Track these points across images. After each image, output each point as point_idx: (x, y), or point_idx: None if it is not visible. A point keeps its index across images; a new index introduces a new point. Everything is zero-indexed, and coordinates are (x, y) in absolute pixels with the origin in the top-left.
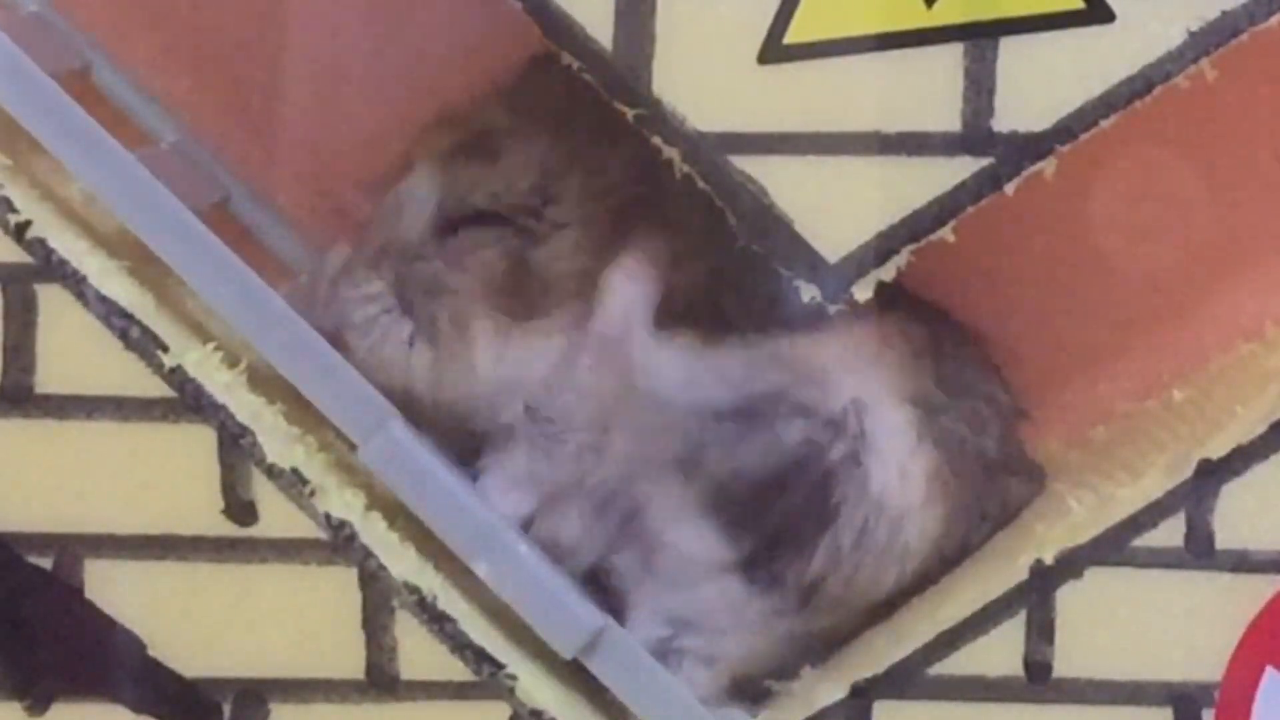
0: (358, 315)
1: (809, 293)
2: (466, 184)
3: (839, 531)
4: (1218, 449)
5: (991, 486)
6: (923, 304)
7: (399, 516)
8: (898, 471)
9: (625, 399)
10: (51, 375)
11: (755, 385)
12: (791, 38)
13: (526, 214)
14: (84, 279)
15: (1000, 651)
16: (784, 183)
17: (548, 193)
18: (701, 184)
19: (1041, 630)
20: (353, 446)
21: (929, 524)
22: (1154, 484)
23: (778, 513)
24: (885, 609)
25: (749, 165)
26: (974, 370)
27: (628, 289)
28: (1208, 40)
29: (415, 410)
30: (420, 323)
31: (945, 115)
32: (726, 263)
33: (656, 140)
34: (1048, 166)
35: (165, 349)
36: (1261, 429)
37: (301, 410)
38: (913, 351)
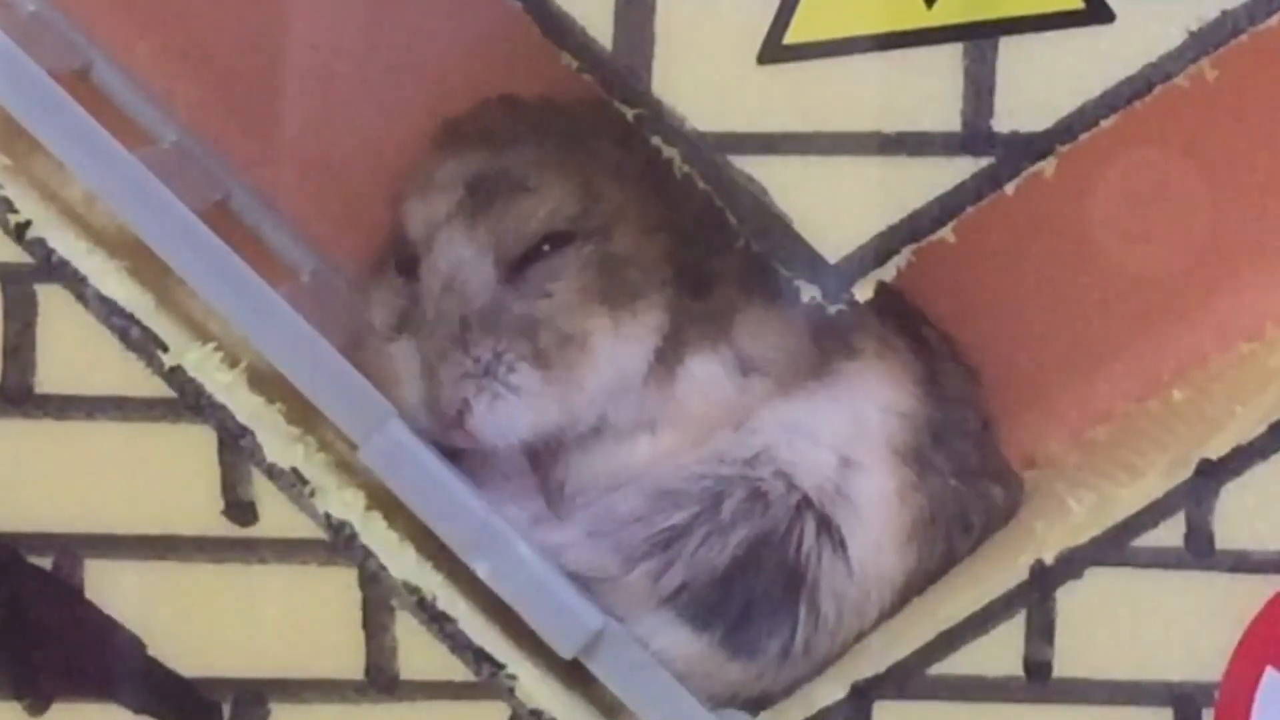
0: (476, 396)
1: (809, 293)
2: (514, 222)
3: (818, 599)
4: (1218, 449)
5: (974, 496)
6: (902, 311)
7: (399, 516)
8: (875, 546)
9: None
10: (51, 375)
11: (664, 516)
12: (791, 38)
13: (586, 217)
14: (84, 279)
15: (1000, 651)
16: (784, 183)
17: (594, 191)
18: (701, 184)
19: (1041, 630)
20: (353, 446)
21: (904, 563)
22: (1154, 484)
23: (746, 593)
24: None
25: (749, 165)
26: (953, 377)
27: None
28: (1208, 40)
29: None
30: (534, 365)
31: (945, 115)
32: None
33: (656, 140)
34: (1048, 166)
35: (165, 349)
36: (1261, 429)
37: (301, 410)
38: (904, 375)
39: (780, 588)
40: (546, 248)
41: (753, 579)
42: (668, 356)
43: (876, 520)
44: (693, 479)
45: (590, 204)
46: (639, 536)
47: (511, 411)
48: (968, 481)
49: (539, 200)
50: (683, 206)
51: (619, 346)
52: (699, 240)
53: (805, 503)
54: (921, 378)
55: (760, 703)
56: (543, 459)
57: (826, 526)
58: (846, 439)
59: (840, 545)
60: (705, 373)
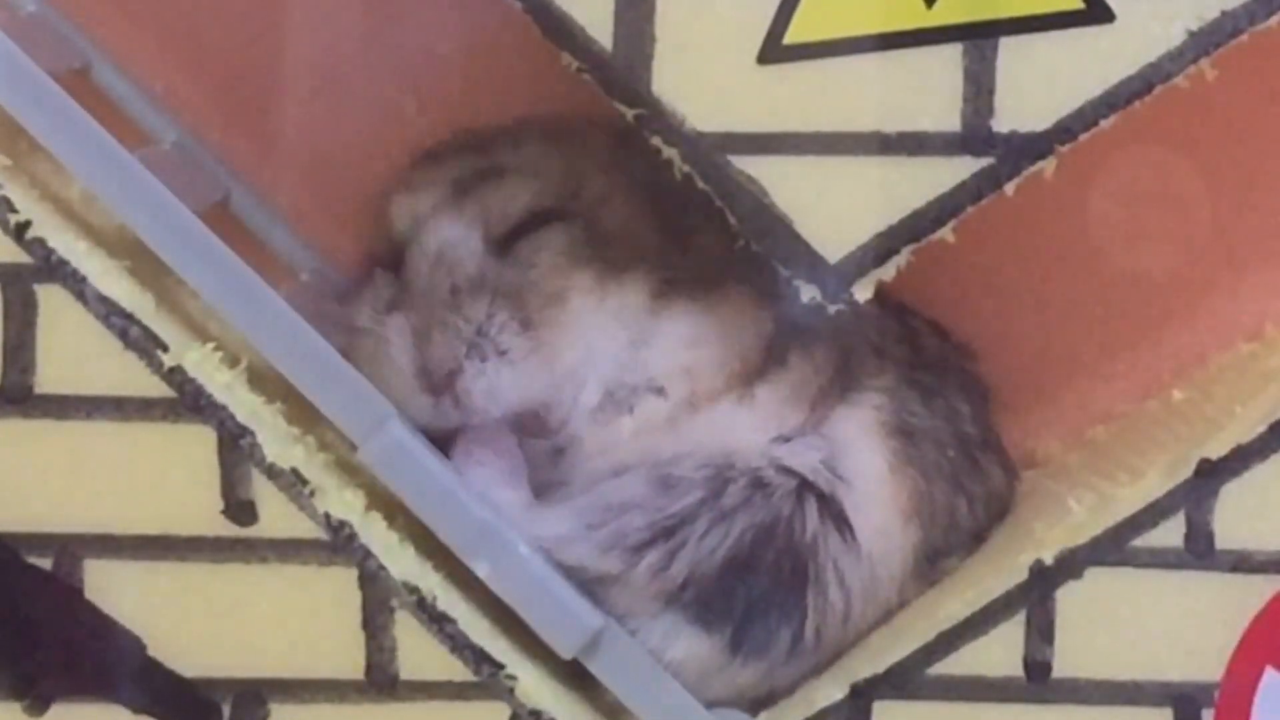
0: (467, 357)
1: (809, 293)
2: (501, 201)
3: (824, 586)
4: (1218, 449)
5: (973, 469)
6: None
7: (399, 516)
8: (882, 526)
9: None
10: (51, 375)
11: (668, 501)
12: (791, 38)
13: (572, 198)
14: (84, 279)
15: (1000, 651)
16: (784, 183)
17: (578, 176)
18: (701, 184)
19: (1041, 630)
20: (353, 446)
21: (910, 539)
22: (1154, 484)
23: (752, 588)
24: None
25: (749, 165)
26: (947, 353)
27: (480, 474)
28: (1208, 40)
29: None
30: (521, 327)
31: (945, 115)
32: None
33: (656, 140)
34: (1048, 166)
35: (165, 349)
36: (1261, 429)
37: (301, 410)
38: (885, 354)
39: (786, 580)
40: (534, 226)
41: (757, 573)
42: (648, 326)
43: (876, 498)
44: (694, 466)
45: (575, 187)
46: (639, 524)
47: (501, 373)
48: (965, 450)
49: (523, 181)
50: (667, 200)
51: (601, 310)
52: (682, 229)
53: (805, 487)
54: (901, 358)
55: (764, 701)
56: (530, 448)
57: (829, 510)
58: (828, 421)
59: (846, 527)
60: (686, 334)
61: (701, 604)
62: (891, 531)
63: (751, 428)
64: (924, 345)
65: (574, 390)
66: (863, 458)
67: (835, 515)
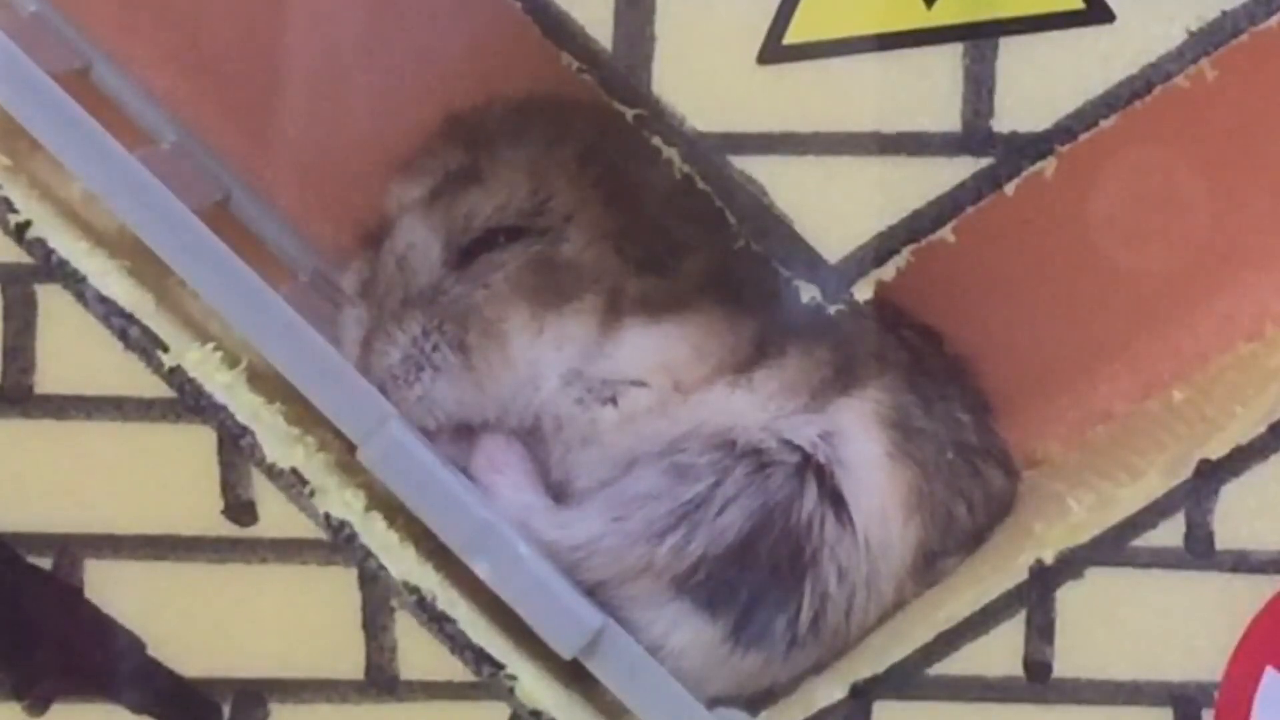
0: (399, 368)
1: (809, 293)
2: (465, 212)
3: (822, 574)
4: (1218, 449)
5: (972, 474)
6: (887, 308)
7: (399, 516)
8: (879, 513)
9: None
10: (51, 375)
11: (685, 488)
12: (791, 38)
13: (537, 215)
14: (84, 279)
15: (1000, 651)
16: (784, 183)
17: (546, 191)
18: (701, 184)
19: (1041, 630)
20: (353, 446)
21: (910, 536)
22: (1154, 484)
23: (753, 575)
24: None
25: (749, 165)
26: (945, 364)
27: (500, 481)
28: (1208, 40)
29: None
30: (456, 349)
31: (945, 115)
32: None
33: (656, 140)
34: (1048, 166)
35: (165, 349)
36: (1261, 429)
37: (301, 410)
38: (886, 360)
39: (784, 567)
40: (502, 240)
41: (758, 558)
42: (603, 343)
43: (873, 483)
44: (700, 451)
45: (542, 203)
46: (662, 511)
47: (429, 389)
48: (964, 456)
49: (488, 194)
50: (651, 202)
51: (536, 349)
52: (664, 232)
53: (805, 464)
54: (900, 363)
55: (766, 698)
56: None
57: (827, 490)
58: (826, 410)
59: (843, 509)
60: (649, 343)
61: (708, 589)
62: (890, 522)
63: (749, 408)
64: (924, 356)
65: (530, 395)
66: (861, 444)
67: (833, 496)
